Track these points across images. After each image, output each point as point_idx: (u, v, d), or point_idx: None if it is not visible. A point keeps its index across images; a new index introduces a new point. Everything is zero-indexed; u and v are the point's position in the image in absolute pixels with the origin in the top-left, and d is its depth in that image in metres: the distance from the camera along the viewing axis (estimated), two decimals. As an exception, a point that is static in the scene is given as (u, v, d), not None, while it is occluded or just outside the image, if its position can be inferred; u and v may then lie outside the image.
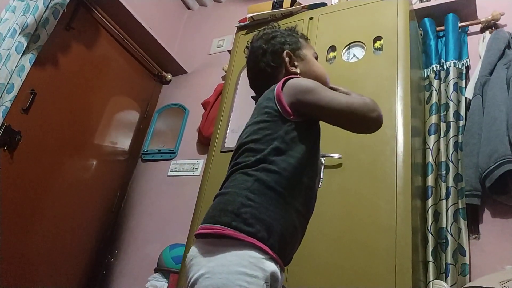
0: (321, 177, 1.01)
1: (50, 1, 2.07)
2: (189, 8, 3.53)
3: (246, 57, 1.12)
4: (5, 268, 1.92)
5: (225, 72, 2.52)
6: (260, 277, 0.72)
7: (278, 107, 0.90)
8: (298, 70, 1.03)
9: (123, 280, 2.43)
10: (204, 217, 0.83)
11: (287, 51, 1.03)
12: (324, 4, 2.05)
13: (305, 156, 0.88)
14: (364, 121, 0.87)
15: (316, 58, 1.11)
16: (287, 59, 1.03)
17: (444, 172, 1.76)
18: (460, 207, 1.69)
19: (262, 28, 1.14)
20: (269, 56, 1.04)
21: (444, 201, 1.70)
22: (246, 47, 1.12)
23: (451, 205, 1.68)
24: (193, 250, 0.79)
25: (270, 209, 0.79)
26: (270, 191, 0.81)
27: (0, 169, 1.90)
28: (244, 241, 0.74)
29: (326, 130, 1.62)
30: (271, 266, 0.76)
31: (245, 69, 2.04)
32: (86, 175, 2.47)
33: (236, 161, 0.90)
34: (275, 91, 0.92)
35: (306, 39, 1.14)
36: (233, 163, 0.91)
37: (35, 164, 2.11)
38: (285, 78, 0.94)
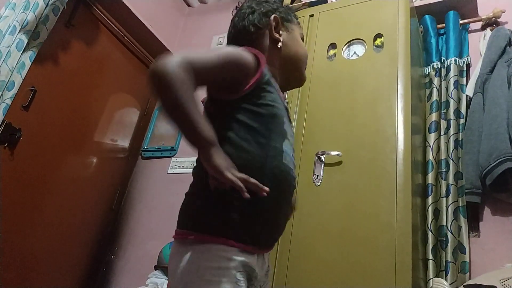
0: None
1: (50, -2, 2.07)
2: (189, 5, 3.52)
3: (232, 15, 1.06)
4: (5, 266, 1.92)
5: (225, 69, 2.51)
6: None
7: None
8: (280, 38, 0.98)
9: (123, 277, 2.44)
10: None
11: (276, 15, 0.99)
12: (325, 1, 2.04)
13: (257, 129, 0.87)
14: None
15: (302, 39, 1.06)
16: (274, 23, 0.98)
17: (444, 170, 1.76)
18: (460, 205, 1.69)
19: None
20: (257, 15, 0.99)
21: (444, 199, 1.71)
22: (236, 7, 1.05)
23: (451, 203, 1.68)
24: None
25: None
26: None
27: (1, 166, 1.90)
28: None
29: (326, 128, 1.62)
30: (253, 259, 0.81)
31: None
32: (86, 172, 2.48)
33: None
34: None
35: (298, 21, 1.09)
36: None
37: (36, 162, 2.11)
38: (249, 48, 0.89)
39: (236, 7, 1.05)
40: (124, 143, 2.79)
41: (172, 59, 0.73)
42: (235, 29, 1.02)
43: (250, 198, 0.75)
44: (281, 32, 0.99)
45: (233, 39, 1.02)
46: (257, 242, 0.82)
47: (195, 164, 0.91)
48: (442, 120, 1.88)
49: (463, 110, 1.88)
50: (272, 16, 0.98)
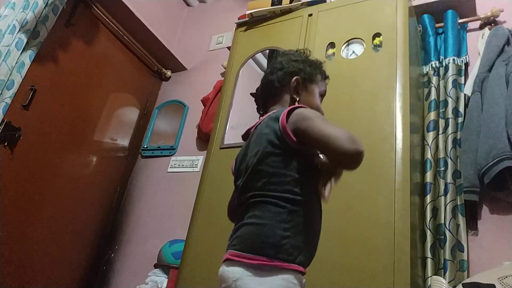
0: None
1: (49, -2, 2.07)
2: (188, 5, 3.52)
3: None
4: (5, 264, 1.93)
5: (225, 68, 2.52)
6: None
7: (285, 136, 0.93)
8: (297, 98, 1.07)
9: (123, 275, 2.44)
10: (237, 243, 0.90)
11: (297, 77, 1.08)
12: (323, 1, 2.04)
13: (313, 180, 0.95)
14: (342, 151, 0.84)
15: (323, 96, 1.15)
16: (294, 83, 1.08)
17: (442, 169, 1.77)
18: (458, 203, 1.69)
19: (300, 49, 1.20)
20: (281, 73, 1.10)
21: (443, 197, 1.71)
22: (274, 56, 1.18)
23: (449, 202, 1.69)
24: (237, 272, 0.86)
25: (303, 234, 0.90)
26: (300, 219, 0.90)
27: (0, 165, 1.91)
28: (288, 269, 0.85)
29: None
30: (303, 280, 0.89)
31: (245, 66, 2.07)
32: (86, 171, 2.48)
33: (256, 188, 0.94)
34: (279, 122, 0.95)
35: (326, 77, 1.17)
36: (251, 189, 0.95)
37: (35, 161, 2.11)
38: (289, 108, 0.97)
39: (275, 56, 1.16)
40: (124, 142, 2.79)
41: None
42: (265, 79, 1.14)
43: (311, 229, 0.95)
44: (300, 91, 1.08)
45: (262, 88, 1.15)
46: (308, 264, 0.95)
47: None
48: (440, 119, 1.88)
49: (461, 109, 1.88)
50: (294, 78, 1.07)
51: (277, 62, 1.14)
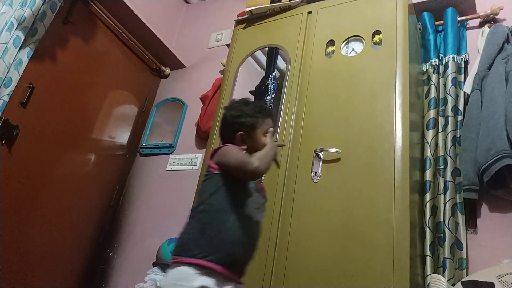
0: (262, 204, 1.27)
1: (47, -5, 2.06)
2: (187, 2, 3.51)
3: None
4: (4, 263, 1.92)
5: (224, 66, 2.51)
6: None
7: (210, 166, 1.23)
8: (245, 147, 1.25)
9: (121, 274, 2.44)
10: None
11: (241, 133, 1.26)
12: (323, -2, 2.04)
13: (232, 194, 1.16)
14: (244, 173, 1.15)
15: (269, 132, 1.29)
16: (239, 138, 1.26)
17: (442, 167, 1.77)
18: (458, 201, 1.69)
19: (241, 99, 1.37)
20: (228, 129, 1.30)
21: (442, 195, 1.71)
22: (225, 107, 1.37)
23: (449, 200, 1.69)
24: None
25: (205, 237, 1.10)
26: (206, 225, 1.12)
27: (-2, 163, 1.90)
28: (184, 262, 1.07)
29: (324, 125, 1.63)
30: (202, 281, 1.03)
31: (244, 63, 2.06)
32: (84, 169, 2.47)
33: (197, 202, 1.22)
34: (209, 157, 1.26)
35: (268, 115, 1.32)
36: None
37: (33, 159, 2.10)
38: (216, 147, 1.25)
39: (225, 106, 1.37)
40: (123, 140, 2.79)
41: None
42: (224, 118, 1.33)
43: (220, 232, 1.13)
44: (245, 141, 1.26)
45: (220, 124, 1.35)
46: (232, 264, 1.12)
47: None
48: (440, 117, 1.88)
49: (461, 107, 1.88)
50: (238, 134, 1.26)
51: (227, 115, 1.31)
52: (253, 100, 1.40)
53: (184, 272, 1.04)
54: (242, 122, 1.27)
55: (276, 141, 1.33)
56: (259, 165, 1.13)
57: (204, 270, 1.04)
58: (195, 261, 1.04)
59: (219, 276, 1.05)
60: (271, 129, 1.30)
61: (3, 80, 1.88)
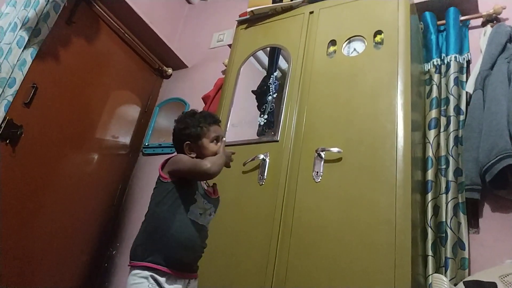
0: (208, 208, 1.36)
1: (50, -5, 2.07)
2: (189, 2, 3.52)
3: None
4: (7, 262, 1.93)
5: (226, 66, 2.51)
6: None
7: (160, 176, 1.35)
8: (194, 155, 1.35)
9: (124, 272, 2.44)
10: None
11: (187, 143, 1.36)
12: (325, -2, 2.04)
13: (176, 202, 1.28)
14: (198, 173, 1.27)
15: (217, 139, 1.38)
16: (187, 148, 1.37)
17: (444, 167, 1.77)
18: (460, 201, 1.69)
19: (187, 112, 1.47)
20: (177, 140, 1.41)
21: (444, 195, 1.71)
22: (175, 120, 1.46)
23: (451, 199, 1.69)
24: None
25: (152, 242, 1.25)
26: (152, 231, 1.27)
27: (2, 163, 1.91)
28: (136, 266, 1.21)
29: (326, 125, 1.63)
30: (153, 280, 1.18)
31: (245, 63, 2.07)
32: (87, 169, 2.48)
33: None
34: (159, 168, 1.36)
35: (215, 121, 1.42)
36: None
37: (37, 158, 2.12)
38: (166, 159, 1.37)
39: (175, 120, 1.45)
40: (125, 139, 2.80)
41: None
42: (174, 132, 1.43)
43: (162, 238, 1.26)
44: (194, 149, 1.36)
45: (172, 137, 1.44)
46: (175, 262, 1.25)
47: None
48: (442, 116, 1.88)
49: (463, 106, 1.88)
50: (185, 144, 1.36)
51: (175, 128, 1.41)
52: (201, 110, 1.49)
53: (137, 274, 1.19)
54: (188, 133, 1.37)
55: (225, 147, 1.43)
56: (211, 166, 1.25)
57: (154, 271, 1.18)
58: (145, 264, 1.19)
59: (168, 275, 1.19)
60: (220, 136, 1.40)
61: (7, 80, 1.90)
